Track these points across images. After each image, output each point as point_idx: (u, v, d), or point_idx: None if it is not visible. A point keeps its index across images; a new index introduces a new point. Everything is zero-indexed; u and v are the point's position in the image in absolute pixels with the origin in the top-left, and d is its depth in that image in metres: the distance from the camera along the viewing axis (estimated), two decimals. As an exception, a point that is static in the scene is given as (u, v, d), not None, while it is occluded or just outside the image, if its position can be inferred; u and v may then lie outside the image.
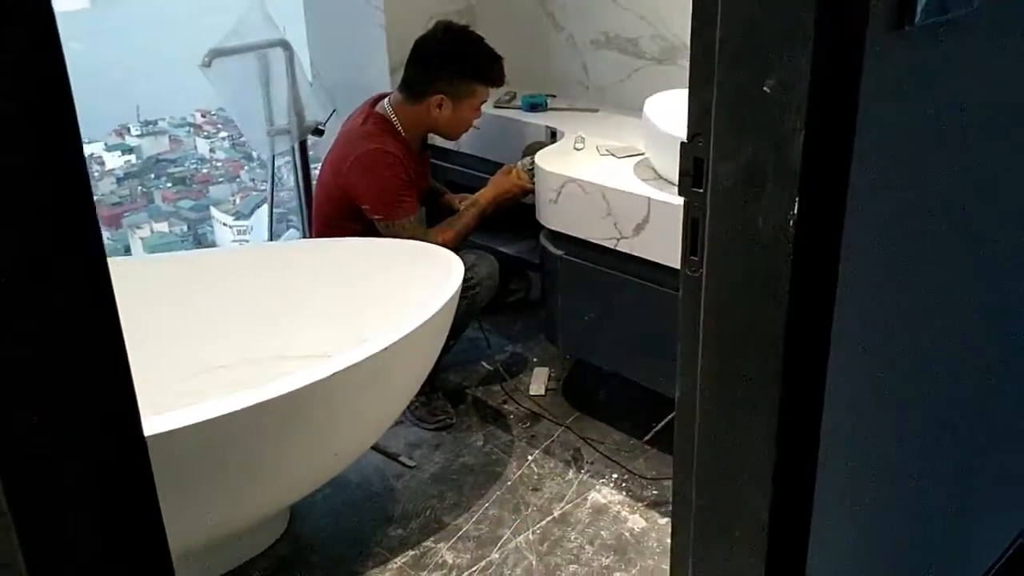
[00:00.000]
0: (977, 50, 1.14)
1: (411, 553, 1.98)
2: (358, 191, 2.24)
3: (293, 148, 2.74)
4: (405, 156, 2.27)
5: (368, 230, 2.26)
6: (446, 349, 2.27)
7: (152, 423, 1.43)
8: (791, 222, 0.98)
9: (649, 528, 2.04)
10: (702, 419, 1.16)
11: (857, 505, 1.34)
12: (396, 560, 1.96)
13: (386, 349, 1.71)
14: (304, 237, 2.87)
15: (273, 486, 1.79)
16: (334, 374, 1.63)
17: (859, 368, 1.20)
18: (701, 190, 1.07)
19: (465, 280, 2.10)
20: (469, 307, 2.23)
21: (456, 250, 2.16)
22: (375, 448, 2.27)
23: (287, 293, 2.15)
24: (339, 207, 2.29)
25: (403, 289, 2.01)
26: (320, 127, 2.72)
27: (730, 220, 1.04)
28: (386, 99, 2.33)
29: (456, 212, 2.40)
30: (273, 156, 2.80)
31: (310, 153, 2.87)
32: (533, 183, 2.32)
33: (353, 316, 2.04)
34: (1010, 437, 1.72)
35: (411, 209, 2.25)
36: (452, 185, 2.64)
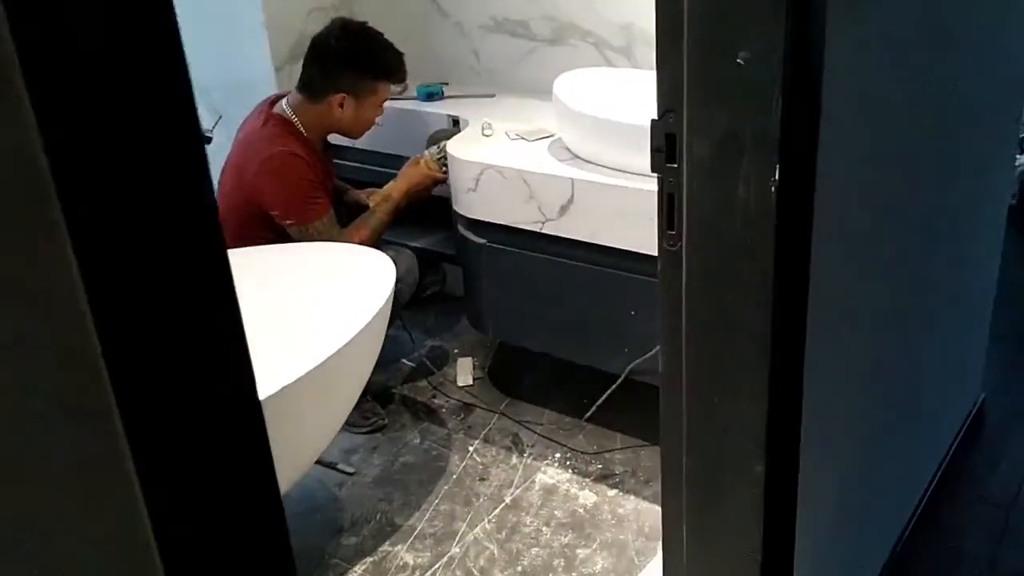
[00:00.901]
0: None
1: (369, 560, 1.94)
2: (265, 197, 2.16)
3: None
4: (310, 157, 2.20)
5: (280, 236, 2.18)
6: (373, 350, 2.23)
7: None
8: (773, 189, 1.01)
9: (601, 501, 2.08)
10: (689, 388, 1.19)
11: (839, 461, 1.40)
12: (356, 569, 1.92)
13: (325, 362, 1.66)
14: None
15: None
16: (281, 389, 1.56)
17: (837, 330, 1.25)
18: (675, 165, 1.09)
19: (390, 278, 2.06)
20: (392, 305, 2.19)
21: (373, 248, 2.11)
22: (312, 459, 2.21)
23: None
24: (246, 215, 2.20)
25: (334, 294, 1.95)
26: (208, 134, 2.59)
27: (710, 192, 1.06)
28: (284, 100, 2.25)
29: (365, 208, 2.35)
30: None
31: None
32: (444, 172, 2.30)
33: (287, 329, 1.96)
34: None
35: (323, 210, 2.19)
36: (355, 183, 2.58)
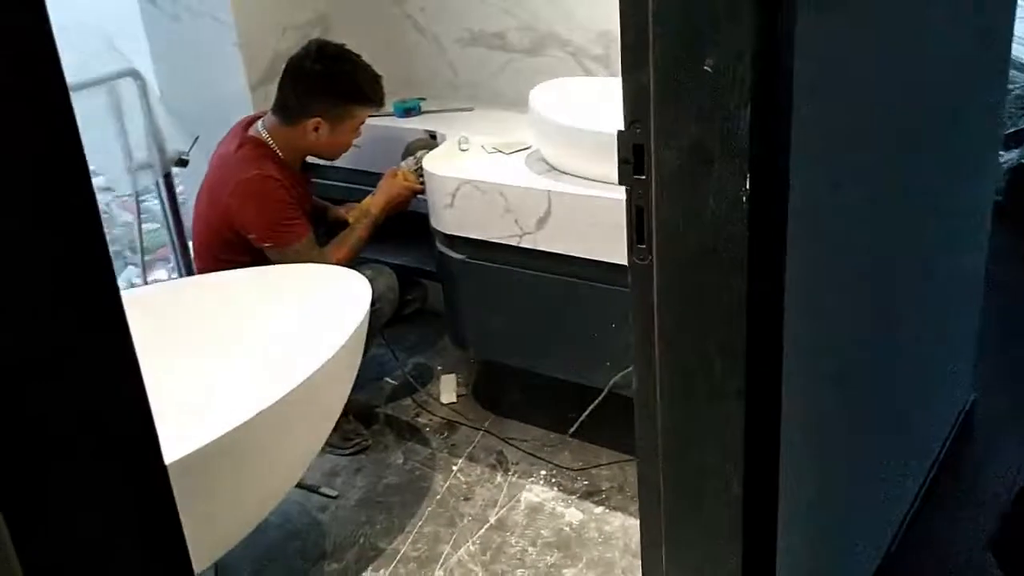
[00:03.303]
0: None
1: (352, 586, 1.90)
2: (242, 220, 2.12)
3: (158, 183, 2.56)
4: (287, 179, 2.17)
5: (258, 258, 2.14)
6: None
7: None
8: (744, 198, 0.98)
9: (587, 520, 2.04)
10: (664, 403, 1.16)
11: (822, 471, 1.37)
12: (338, 596, 1.88)
13: (303, 383, 1.63)
14: (180, 274, 2.70)
15: (194, 543, 1.66)
16: (257, 415, 1.53)
17: (811, 341, 1.22)
18: (643, 176, 1.07)
19: (368, 297, 2.03)
20: (372, 324, 2.15)
21: (351, 266, 2.08)
22: (293, 483, 2.17)
23: (190, 335, 2.01)
24: (222, 238, 2.17)
25: (311, 317, 1.92)
26: (184, 157, 2.56)
27: (679, 203, 1.04)
28: (259, 121, 2.22)
29: (346, 224, 2.32)
30: (137, 193, 2.62)
31: (179, 187, 2.70)
32: (421, 183, 2.27)
33: (262, 352, 1.93)
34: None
35: (302, 232, 2.15)
36: (335, 201, 2.55)
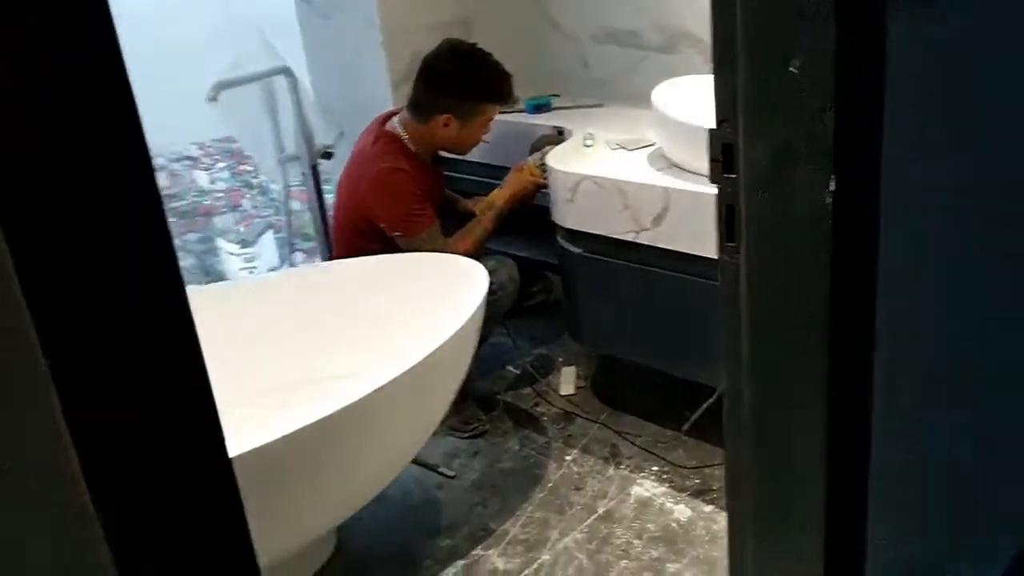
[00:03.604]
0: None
1: (461, 563, 1.98)
2: (374, 211, 2.25)
3: (305, 173, 2.74)
4: (417, 172, 2.28)
5: (388, 247, 2.26)
6: (472, 356, 2.28)
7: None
8: (828, 200, 0.98)
9: (696, 517, 2.04)
10: (751, 406, 1.16)
11: (915, 475, 1.33)
12: (447, 570, 1.96)
13: (420, 363, 1.72)
14: (324, 260, 2.88)
15: (318, 509, 1.79)
16: (370, 393, 1.63)
17: (907, 342, 1.20)
18: (733, 175, 1.08)
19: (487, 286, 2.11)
20: (493, 313, 2.23)
21: (476, 256, 2.17)
22: (414, 460, 2.28)
23: (320, 315, 2.16)
24: (357, 227, 2.30)
25: (430, 302, 2.02)
26: (329, 150, 2.73)
27: (766, 203, 1.04)
28: (395, 117, 2.34)
29: (473, 216, 2.41)
30: (287, 184, 2.81)
31: (323, 177, 2.88)
32: (547, 177, 2.33)
33: (384, 333, 2.04)
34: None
35: (429, 222, 2.26)
36: (465, 194, 2.65)
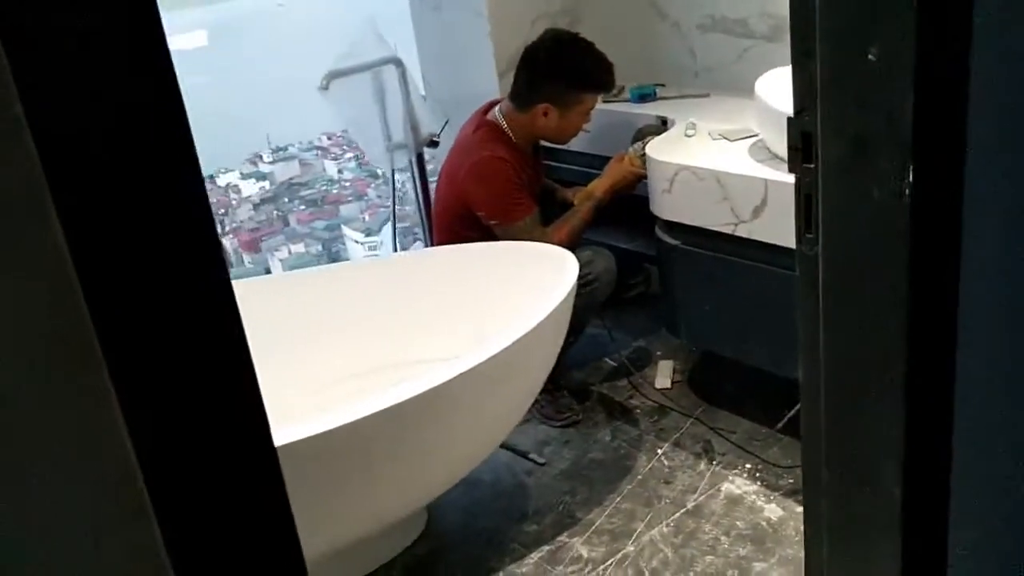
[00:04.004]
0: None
1: (546, 548, 2.00)
2: (473, 198, 2.29)
3: (411, 161, 2.81)
4: (517, 161, 2.30)
5: (487, 235, 2.30)
6: (568, 346, 2.29)
7: (288, 432, 1.51)
8: (906, 191, 0.95)
9: (787, 517, 1.99)
10: (827, 403, 1.14)
11: (1003, 479, 1.27)
12: (532, 555, 1.99)
13: (506, 349, 1.75)
14: (426, 246, 2.94)
15: (406, 487, 1.84)
16: (457, 376, 1.67)
17: (991, 337, 1.14)
18: (812, 165, 1.05)
19: (583, 276, 2.11)
20: (588, 303, 2.24)
21: (573, 247, 2.17)
22: (505, 446, 2.31)
23: (411, 301, 2.22)
24: (457, 215, 2.34)
25: (521, 290, 2.04)
26: (435, 139, 2.79)
27: (843, 193, 1.02)
28: (497, 107, 2.37)
29: (572, 206, 2.42)
30: (393, 170, 2.89)
31: (428, 166, 2.94)
32: (647, 168, 2.31)
33: (475, 319, 2.08)
34: None
35: (527, 211, 2.28)
36: (567, 183, 2.66)
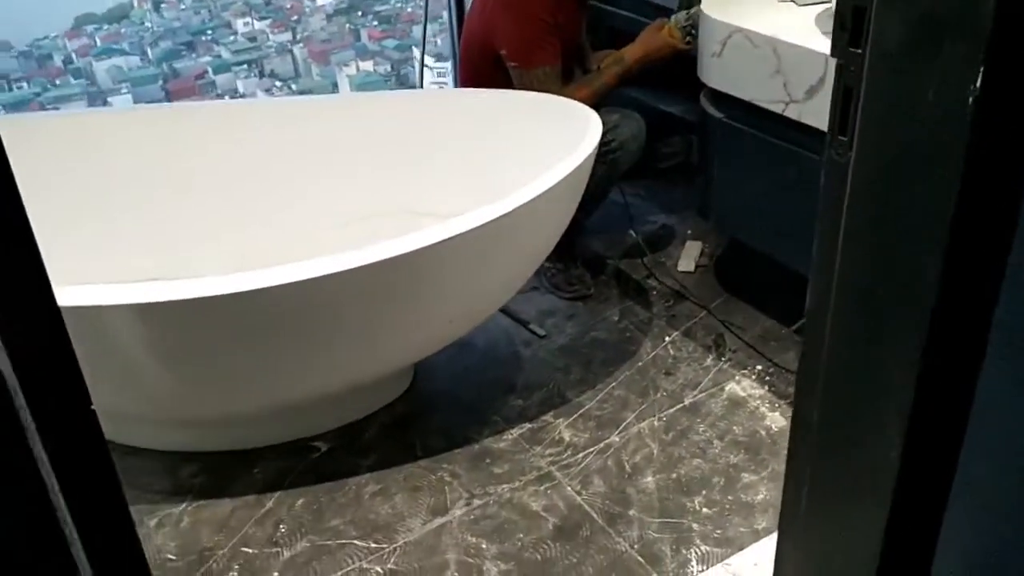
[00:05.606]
0: None
1: (528, 426, 1.90)
2: (498, 32, 2.06)
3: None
4: (557, 5, 2.04)
5: (511, 82, 2.08)
6: (587, 214, 2.12)
7: (284, 272, 1.43)
8: (971, 98, 0.73)
9: (788, 428, 1.85)
10: (833, 331, 0.96)
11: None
12: (512, 431, 1.89)
13: (512, 211, 1.58)
14: (455, 83, 2.73)
15: (394, 340, 1.73)
16: (460, 234, 1.52)
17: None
18: (860, 50, 0.83)
19: (606, 141, 1.91)
20: (609, 171, 2.04)
21: (596, 108, 1.95)
22: (505, 312, 2.18)
23: (420, 145, 2.04)
24: (482, 52, 2.12)
25: (536, 146, 1.85)
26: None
27: (892, 91, 0.81)
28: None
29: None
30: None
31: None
32: (687, 43, 2.06)
33: (483, 172, 1.91)
34: None
35: (549, 59, 2.04)
36: (612, 32, 2.39)
